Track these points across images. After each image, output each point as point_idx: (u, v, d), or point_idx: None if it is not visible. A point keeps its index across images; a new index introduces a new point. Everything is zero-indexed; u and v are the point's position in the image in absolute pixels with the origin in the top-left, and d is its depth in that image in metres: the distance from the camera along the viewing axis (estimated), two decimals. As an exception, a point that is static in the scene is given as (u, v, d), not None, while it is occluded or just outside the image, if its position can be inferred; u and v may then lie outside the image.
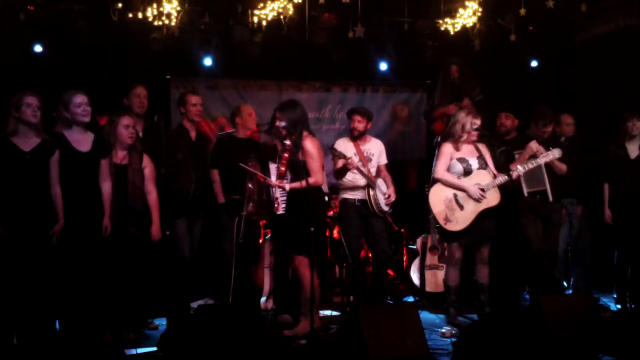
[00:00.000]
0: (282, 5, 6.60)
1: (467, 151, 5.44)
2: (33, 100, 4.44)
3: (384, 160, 6.02)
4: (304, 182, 4.77)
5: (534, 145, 5.53)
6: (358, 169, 5.72)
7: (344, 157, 5.66)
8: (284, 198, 4.91)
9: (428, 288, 6.32)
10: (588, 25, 7.22)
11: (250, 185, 5.40)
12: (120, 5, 6.44)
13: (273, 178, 4.92)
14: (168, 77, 7.44)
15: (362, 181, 5.81)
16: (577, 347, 4.34)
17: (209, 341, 4.11)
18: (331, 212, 6.02)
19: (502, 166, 5.45)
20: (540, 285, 5.76)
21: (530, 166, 5.39)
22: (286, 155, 4.86)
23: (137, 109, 5.54)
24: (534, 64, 7.74)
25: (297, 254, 4.96)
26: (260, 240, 6.17)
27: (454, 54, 7.01)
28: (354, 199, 5.86)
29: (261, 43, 7.01)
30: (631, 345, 4.35)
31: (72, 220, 4.60)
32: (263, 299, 5.95)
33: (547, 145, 5.58)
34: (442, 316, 5.65)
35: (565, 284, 6.47)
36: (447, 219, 5.34)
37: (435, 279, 6.27)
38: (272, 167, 5.01)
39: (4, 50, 6.37)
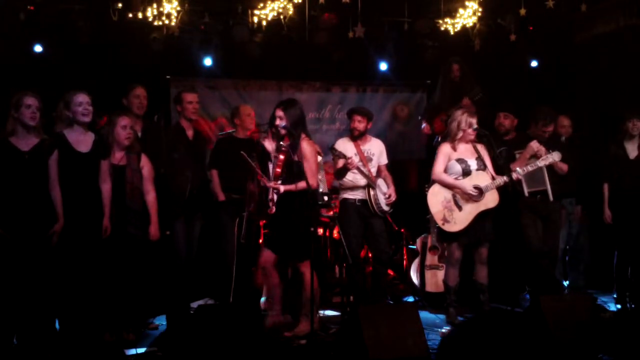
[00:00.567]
0: (282, 5, 6.60)
1: (466, 152, 5.43)
2: (33, 101, 4.44)
3: (384, 160, 6.02)
4: (299, 185, 4.79)
5: (534, 145, 5.53)
6: (358, 168, 5.72)
7: (344, 156, 5.66)
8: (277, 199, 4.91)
9: (428, 288, 6.33)
10: (588, 25, 7.22)
11: (251, 185, 5.39)
12: (120, 5, 6.44)
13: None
14: (168, 77, 7.44)
15: (362, 181, 5.81)
16: (577, 347, 4.34)
17: (209, 341, 4.11)
18: (331, 212, 6.02)
19: (502, 166, 5.45)
20: (540, 285, 5.76)
21: (530, 169, 5.40)
22: (282, 157, 4.85)
23: (137, 110, 5.54)
24: (534, 64, 7.74)
25: (297, 260, 4.98)
26: (260, 240, 6.17)
27: (454, 54, 7.02)
28: (354, 199, 5.86)
29: (261, 43, 7.00)
30: (631, 345, 4.35)
31: (72, 221, 4.60)
32: (263, 299, 5.95)
33: (548, 145, 5.58)
34: (442, 316, 5.65)
35: (565, 284, 6.48)
36: (445, 220, 5.34)
37: (435, 279, 6.27)
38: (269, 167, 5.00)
39: (4, 50, 6.37)
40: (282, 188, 4.80)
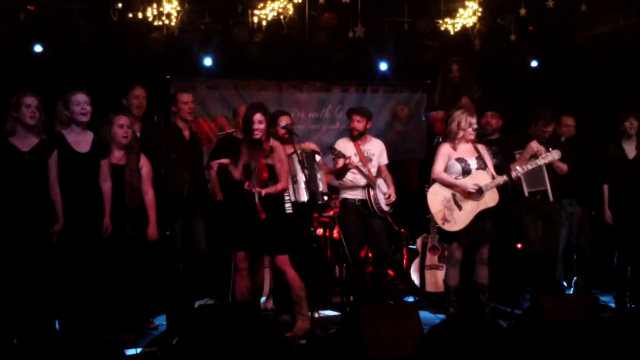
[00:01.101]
0: (282, 5, 6.61)
1: (466, 151, 5.43)
2: (32, 101, 4.44)
3: (384, 160, 6.01)
4: (278, 186, 4.97)
5: (534, 145, 5.53)
6: (358, 168, 5.72)
7: (343, 156, 5.66)
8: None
9: (428, 288, 6.33)
10: (588, 25, 7.22)
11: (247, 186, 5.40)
12: (120, 5, 6.44)
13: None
14: (168, 77, 7.44)
15: (362, 181, 5.81)
16: (577, 347, 4.33)
17: (209, 341, 4.11)
18: (331, 212, 6.02)
19: (502, 166, 5.45)
20: (540, 285, 5.76)
21: (529, 167, 5.39)
22: (263, 160, 4.91)
23: (136, 110, 5.54)
24: (534, 64, 7.75)
25: (271, 253, 5.08)
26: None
27: (454, 54, 7.01)
28: (354, 199, 5.86)
29: (261, 43, 7.00)
30: (631, 345, 4.35)
31: (72, 221, 4.60)
32: (263, 299, 5.95)
33: (547, 145, 5.58)
34: (442, 316, 5.64)
35: (565, 284, 6.48)
36: (445, 219, 5.34)
37: (435, 279, 6.27)
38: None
39: (4, 50, 6.37)
40: (263, 192, 4.89)
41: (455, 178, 5.36)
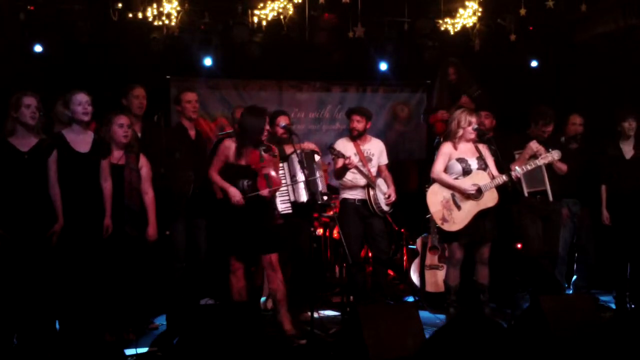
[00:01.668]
0: (282, 5, 6.61)
1: (467, 151, 5.42)
2: (32, 101, 4.43)
3: (384, 160, 6.02)
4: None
5: (534, 145, 5.52)
6: (357, 168, 5.72)
7: (343, 156, 5.66)
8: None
9: (428, 288, 6.32)
10: (588, 25, 7.22)
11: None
12: (120, 5, 6.44)
13: None
14: (168, 77, 7.44)
15: (362, 181, 5.81)
16: (577, 347, 4.34)
17: (209, 341, 4.11)
18: (331, 212, 6.02)
19: (502, 167, 5.45)
20: (540, 285, 5.76)
21: (529, 167, 5.39)
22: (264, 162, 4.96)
23: (136, 110, 5.53)
24: (534, 64, 7.74)
25: (258, 252, 5.05)
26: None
27: (454, 54, 7.02)
28: (354, 199, 5.86)
29: (261, 43, 7.00)
30: (631, 345, 4.35)
31: (72, 221, 4.60)
32: (263, 299, 5.95)
33: (547, 145, 5.58)
34: (442, 316, 5.64)
35: (565, 284, 6.47)
36: (444, 219, 5.33)
37: (435, 279, 6.27)
38: None
39: (4, 50, 6.37)
40: (266, 192, 4.92)
41: (456, 178, 5.35)
